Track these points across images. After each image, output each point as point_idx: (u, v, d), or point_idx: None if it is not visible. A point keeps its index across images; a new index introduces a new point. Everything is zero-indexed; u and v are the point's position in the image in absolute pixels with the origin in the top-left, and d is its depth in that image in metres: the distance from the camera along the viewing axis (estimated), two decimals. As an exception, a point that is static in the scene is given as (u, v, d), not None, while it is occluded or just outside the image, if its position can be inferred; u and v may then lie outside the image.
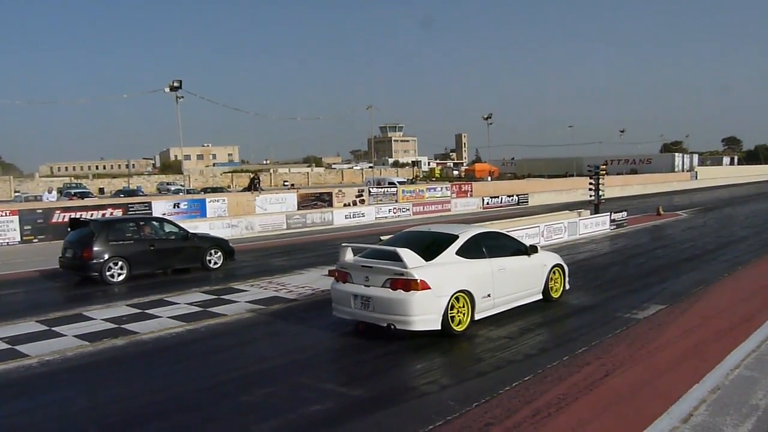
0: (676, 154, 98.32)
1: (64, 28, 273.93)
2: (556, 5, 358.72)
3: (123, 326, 9.93)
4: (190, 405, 6.66)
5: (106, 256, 14.17)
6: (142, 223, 15.81)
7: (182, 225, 16.92)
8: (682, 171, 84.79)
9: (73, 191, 42.29)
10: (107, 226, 14.93)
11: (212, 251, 16.17)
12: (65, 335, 9.46)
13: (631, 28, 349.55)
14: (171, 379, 7.62)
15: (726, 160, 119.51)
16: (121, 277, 14.33)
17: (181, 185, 64.47)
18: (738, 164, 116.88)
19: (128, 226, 15.41)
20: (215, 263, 16.12)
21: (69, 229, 15.58)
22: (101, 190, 68.27)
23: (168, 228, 15.96)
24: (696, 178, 76.52)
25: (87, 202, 29.05)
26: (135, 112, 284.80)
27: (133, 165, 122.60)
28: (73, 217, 18.36)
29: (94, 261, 14.07)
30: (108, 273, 14.16)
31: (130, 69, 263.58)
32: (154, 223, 16.16)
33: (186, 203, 27.25)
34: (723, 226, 25.03)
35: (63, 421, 6.33)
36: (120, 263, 14.34)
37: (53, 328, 9.88)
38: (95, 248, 14.11)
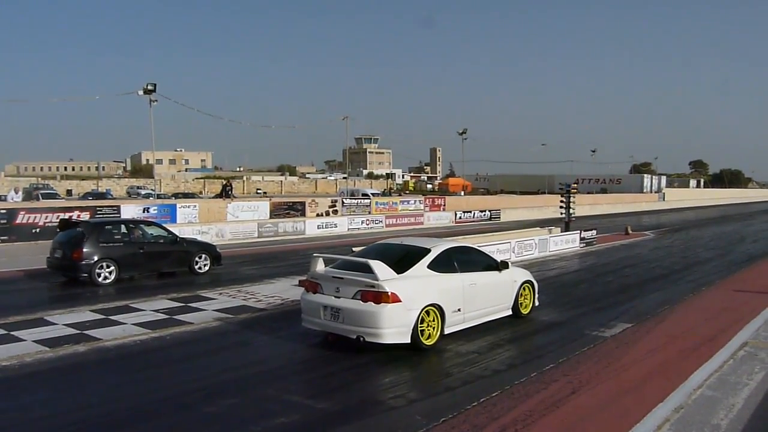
0: (645, 175, 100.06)
1: (36, 26, 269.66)
2: (531, 26, 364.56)
3: (85, 332, 9.69)
4: (153, 415, 6.50)
5: (96, 258, 14.21)
6: (132, 226, 15.92)
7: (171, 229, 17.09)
8: (651, 192, 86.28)
9: (40, 192, 41.45)
10: (98, 228, 14.96)
11: (200, 256, 16.37)
12: (24, 340, 9.18)
13: (604, 51, 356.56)
14: (133, 387, 7.44)
15: (693, 182, 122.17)
16: (110, 279, 14.35)
17: (151, 190, 63.53)
18: (704, 187, 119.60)
19: (119, 228, 15.45)
20: (203, 267, 16.28)
21: (58, 230, 15.64)
22: (69, 192, 66.94)
23: (157, 232, 16.11)
24: (663, 200, 77.95)
25: (51, 203, 28.38)
26: (107, 113, 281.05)
27: (103, 167, 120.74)
28: (63, 218, 18.27)
29: (84, 262, 14.09)
30: (97, 275, 14.15)
31: (102, 70, 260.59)
32: (144, 226, 16.22)
33: (156, 208, 26.83)
34: (689, 247, 25.51)
35: (18, 429, 6.12)
36: (109, 265, 14.39)
37: (12, 333, 9.60)
38: (85, 249, 14.14)
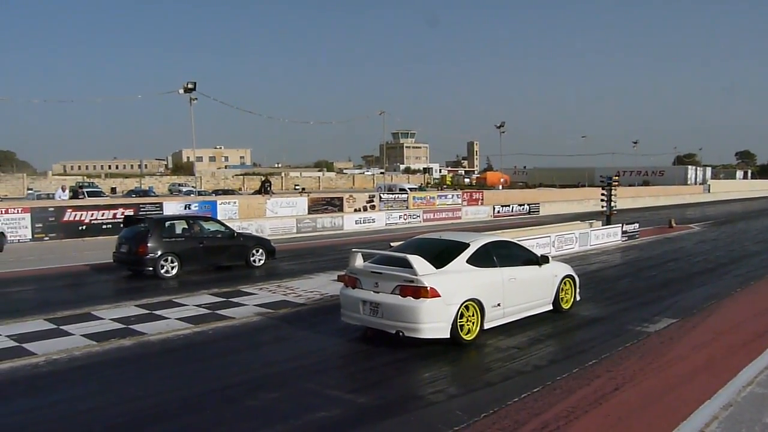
0: (689, 166, 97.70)
1: (80, 27, 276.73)
2: (570, 15, 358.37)
3: (131, 326, 9.93)
4: (196, 408, 6.63)
5: (160, 252, 14.81)
6: (192, 221, 16.52)
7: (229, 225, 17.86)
8: (695, 184, 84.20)
9: (85, 190, 42.64)
10: (161, 224, 15.65)
11: (256, 250, 16.89)
12: (73, 334, 9.46)
13: (647, 40, 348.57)
14: (177, 381, 7.60)
15: (739, 173, 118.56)
16: (173, 273, 14.95)
17: (192, 187, 64.75)
18: (751, 178, 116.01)
19: (180, 224, 16.08)
20: (258, 261, 16.83)
21: (123, 226, 16.53)
22: (113, 190, 68.76)
23: (215, 227, 16.74)
24: (709, 191, 75.99)
25: (96, 201, 29.13)
26: (149, 112, 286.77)
27: (146, 165, 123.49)
28: (127, 214, 19.42)
29: (149, 256, 14.70)
30: (161, 268, 14.73)
31: (144, 70, 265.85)
32: (202, 222, 16.86)
33: (197, 205, 27.34)
34: (735, 240, 24.78)
35: (69, 421, 6.31)
36: (172, 259, 14.98)
37: (61, 327, 9.90)
38: (150, 244, 14.76)
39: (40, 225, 22.95)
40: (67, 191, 30.66)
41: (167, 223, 15.81)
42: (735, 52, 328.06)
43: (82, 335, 9.39)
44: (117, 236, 16.27)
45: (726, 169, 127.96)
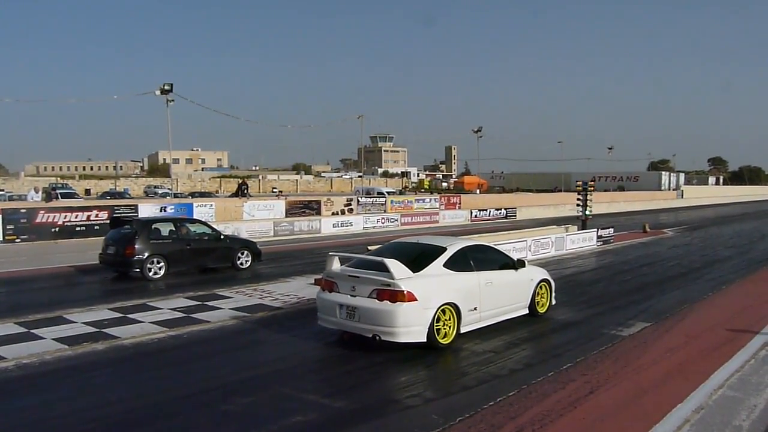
0: (663, 172, 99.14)
1: (54, 26, 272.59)
2: (547, 22, 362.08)
3: (104, 330, 9.78)
4: (170, 413, 6.55)
5: (147, 254, 14.79)
6: (179, 224, 16.50)
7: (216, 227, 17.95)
8: (669, 189, 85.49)
9: (59, 191, 41.90)
10: (148, 226, 15.60)
11: (242, 252, 16.96)
12: (44, 338, 9.29)
13: (622, 48, 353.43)
14: (151, 385, 7.49)
15: (712, 179, 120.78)
16: (160, 275, 14.92)
17: (168, 189, 64.06)
18: (723, 184, 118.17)
19: (167, 226, 16.06)
20: (244, 263, 16.88)
21: (110, 227, 16.53)
22: (87, 191, 67.68)
23: (202, 229, 16.74)
24: (682, 197, 77.11)
25: (70, 202, 28.68)
26: (124, 113, 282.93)
27: (121, 167, 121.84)
28: (114, 215, 19.61)
29: (136, 258, 14.66)
30: (148, 270, 14.71)
31: (120, 70, 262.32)
32: (189, 224, 16.85)
33: (172, 207, 27.04)
34: (708, 245, 25.20)
35: (38, 426, 6.19)
36: (159, 261, 14.95)
37: (32, 331, 9.71)
38: (137, 246, 14.73)
39: (12, 227, 22.48)
40: (39, 193, 30.14)
41: (154, 225, 15.76)
42: (709, 60, 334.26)
43: (53, 339, 9.22)
44: (96, 238, 16.15)
45: (699, 175, 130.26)
